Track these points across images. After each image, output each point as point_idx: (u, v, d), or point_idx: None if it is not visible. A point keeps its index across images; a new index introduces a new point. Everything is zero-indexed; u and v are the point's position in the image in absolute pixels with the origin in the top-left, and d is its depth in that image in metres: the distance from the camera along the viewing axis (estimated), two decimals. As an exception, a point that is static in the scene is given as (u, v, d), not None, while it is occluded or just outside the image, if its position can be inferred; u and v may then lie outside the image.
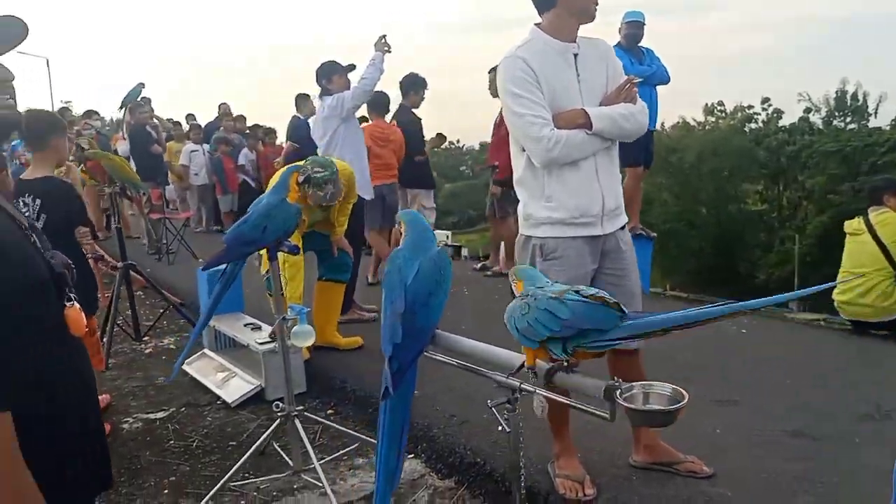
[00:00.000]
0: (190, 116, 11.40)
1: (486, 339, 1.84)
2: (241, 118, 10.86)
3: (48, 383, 1.37)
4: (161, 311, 5.44)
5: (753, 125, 38.50)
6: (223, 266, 2.74)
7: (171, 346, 5.12)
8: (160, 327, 5.48)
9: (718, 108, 40.35)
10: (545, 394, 1.60)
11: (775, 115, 37.63)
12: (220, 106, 11.38)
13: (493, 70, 5.84)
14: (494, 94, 5.85)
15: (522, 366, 1.64)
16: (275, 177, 4.00)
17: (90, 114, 9.28)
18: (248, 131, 10.55)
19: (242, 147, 10.13)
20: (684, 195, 34.71)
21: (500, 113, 5.85)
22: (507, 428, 1.62)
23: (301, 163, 3.21)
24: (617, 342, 1.46)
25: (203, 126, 10.79)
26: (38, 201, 3.32)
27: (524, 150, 2.45)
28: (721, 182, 34.43)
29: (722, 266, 31.13)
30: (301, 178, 3.32)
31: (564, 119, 2.36)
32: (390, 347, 1.73)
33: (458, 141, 58.72)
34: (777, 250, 31.91)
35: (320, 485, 2.91)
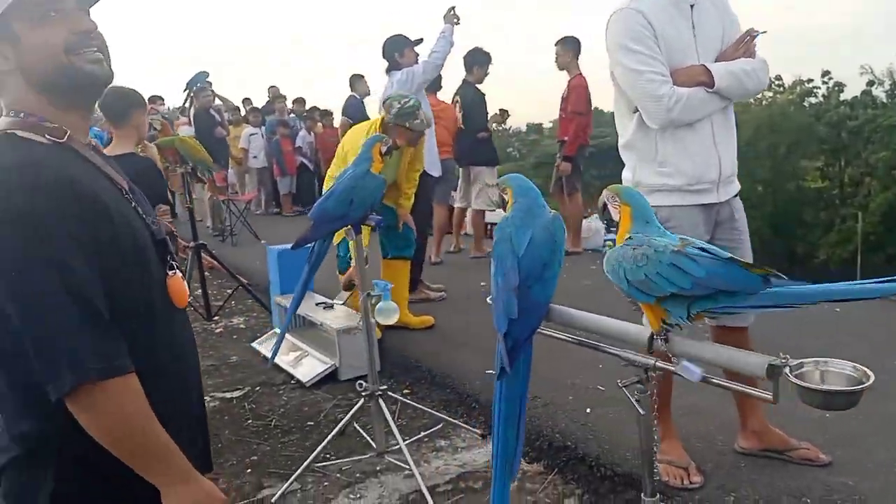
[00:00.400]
0: (247, 101, 11.43)
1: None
2: (301, 100, 10.85)
3: (149, 360, 1.28)
4: (230, 291, 5.45)
5: (813, 99, 37.02)
6: (288, 246, 2.66)
7: (241, 326, 5.11)
8: (229, 307, 5.49)
9: (776, 82, 38.97)
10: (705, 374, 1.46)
11: (836, 88, 36.07)
12: (269, 89, 11.40)
13: (561, 42, 5.66)
14: (562, 66, 5.67)
15: (653, 340, 1.49)
16: (340, 151, 3.95)
17: (154, 99, 9.36)
18: (305, 113, 10.53)
19: (299, 129, 10.12)
20: (739, 173, 33.56)
21: (568, 86, 5.67)
22: (640, 410, 1.48)
23: (380, 134, 3.12)
24: (752, 309, 1.30)
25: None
26: None
27: (634, 112, 2.29)
28: (778, 159, 33.26)
29: (779, 246, 30.15)
30: (392, 115, 3.23)
31: (684, 75, 2.19)
32: (505, 324, 1.61)
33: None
34: (838, 229, 30.70)
35: (405, 467, 2.84)
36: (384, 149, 2.59)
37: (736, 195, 2.42)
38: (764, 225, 31.97)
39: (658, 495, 1.58)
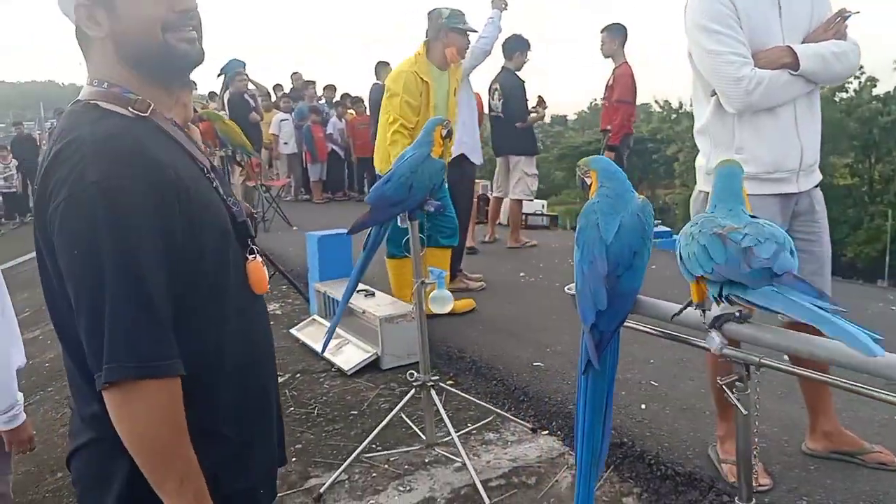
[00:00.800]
0: (278, 87, 11.37)
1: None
2: (331, 87, 10.80)
3: (228, 348, 1.21)
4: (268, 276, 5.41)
5: (844, 94, 36.28)
6: (328, 232, 2.59)
7: (277, 312, 5.06)
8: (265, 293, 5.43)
9: (806, 76, 38.17)
10: (796, 370, 1.37)
11: (869, 83, 35.32)
12: (292, 76, 11.34)
13: (608, 29, 5.52)
14: (607, 54, 5.53)
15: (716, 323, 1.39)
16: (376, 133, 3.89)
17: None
18: (336, 101, 10.47)
19: (330, 116, 10.06)
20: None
21: (613, 75, 5.53)
22: (742, 409, 1.39)
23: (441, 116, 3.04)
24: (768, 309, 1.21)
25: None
26: None
27: (712, 95, 2.19)
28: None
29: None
30: (444, 21, 3.39)
31: (766, 58, 2.08)
32: (592, 315, 1.52)
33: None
34: (867, 227, 30.17)
35: (455, 459, 2.77)
36: (444, 132, 2.50)
37: (817, 186, 2.30)
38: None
39: (752, 501, 1.49)
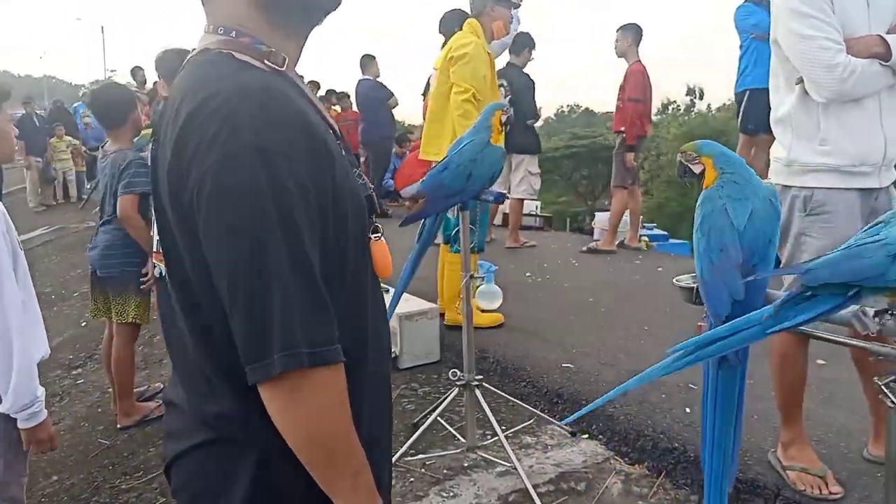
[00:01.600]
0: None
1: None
2: (315, 83, 10.54)
3: (358, 340, 1.05)
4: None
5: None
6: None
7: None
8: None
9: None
10: None
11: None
12: None
13: (622, 28, 5.45)
14: (620, 53, 5.46)
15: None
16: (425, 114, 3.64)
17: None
18: (321, 96, 10.22)
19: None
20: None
21: (625, 76, 5.46)
22: (906, 411, 1.27)
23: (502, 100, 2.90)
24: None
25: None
26: None
27: (797, 83, 2.09)
28: (769, 167, 33.43)
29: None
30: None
31: (858, 45, 1.99)
32: (727, 306, 1.39)
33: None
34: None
35: (498, 463, 2.63)
36: (504, 118, 2.36)
37: (893, 183, 2.23)
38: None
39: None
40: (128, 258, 3.11)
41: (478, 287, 2.49)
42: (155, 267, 1.01)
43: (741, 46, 5.42)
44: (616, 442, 2.79)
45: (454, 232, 2.45)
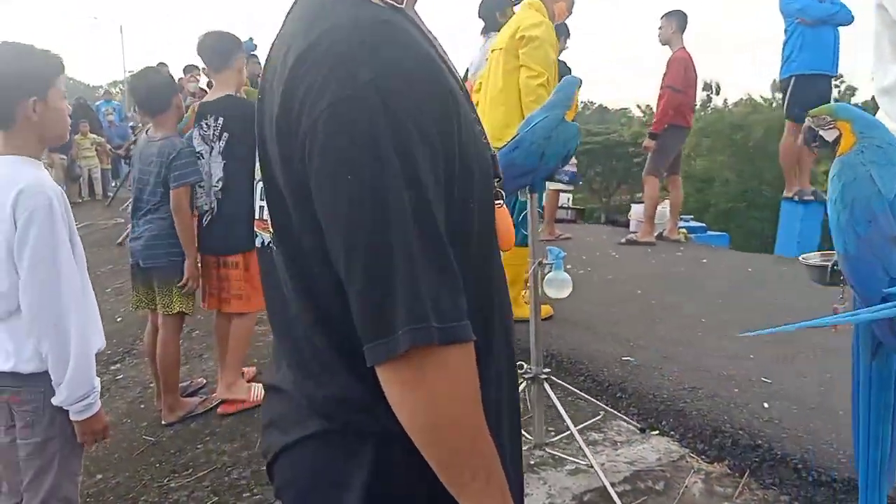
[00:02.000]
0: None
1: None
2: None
3: (487, 321, 0.92)
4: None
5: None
6: None
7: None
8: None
9: (787, 85, 38.62)
10: None
11: (848, 92, 35.89)
12: None
13: (667, 15, 5.29)
14: (664, 41, 5.31)
15: None
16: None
17: (191, 68, 8.88)
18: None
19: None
20: (747, 174, 33.44)
21: (667, 64, 5.30)
22: None
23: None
24: None
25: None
26: (220, 120, 2.99)
27: None
28: (788, 162, 33.03)
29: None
30: None
31: None
32: (883, 283, 1.24)
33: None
34: None
35: (567, 460, 2.50)
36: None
37: None
38: (768, 226, 31.72)
39: None
40: (174, 247, 3.02)
41: (546, 275, 2.33)
42: (257, 236, 0.89)
43: (786, 31, 5.26)
44: (690, 439, 2.64)
45: (520, 217, 2.30)
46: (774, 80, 39.56)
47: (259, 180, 0.97)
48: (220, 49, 3.09)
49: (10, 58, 1.80)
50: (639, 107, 43.21)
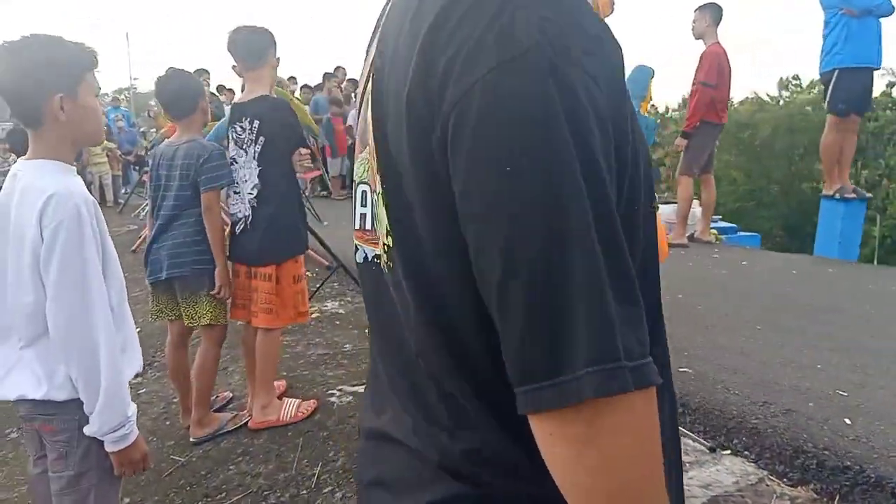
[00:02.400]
0: (292, 79, 10.72)
1: None
2: (354, 81, 10.29)
3: (660, 346, 0.77)
4: (329, 272, 4.92)
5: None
6: None
7: (340, 311, 4.54)
8: (319, 291, 4.92)
9: (794, 81, 38.26)
10: None
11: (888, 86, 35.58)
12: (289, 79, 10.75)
13: (700, 8, 5.09)
14: (698, 35, 5.11)
15: None
16: None
17: (201, 73, 8.73)
18: (355, 92, 9.95)
19: (350, 109, 9.55)
20: (755, 173, 33.22)
21: (700, 58, 5.11)
22: None
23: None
24: None
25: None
26: (255, 123, 2.81)
27: None
28: (794, 160, 32.79)
29: (793, 247, 29.73)
30: None
31: None
32: None
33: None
34: (855, 232, 30.28)
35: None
36: (656, 83, 2.02)
37: None
38: (777, 226, 31.55)
39: None
40: (200, 255, 2.84)
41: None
42: (357, 250, 0.71)
43: (827, 24, 5.05)
44: (768, 459, 2.43)
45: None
46: (781, 78, 39.51)
47: (359, 182, 0.79)
48: (254, 45, 2.91)
49: (36, 51, 1.61)
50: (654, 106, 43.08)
